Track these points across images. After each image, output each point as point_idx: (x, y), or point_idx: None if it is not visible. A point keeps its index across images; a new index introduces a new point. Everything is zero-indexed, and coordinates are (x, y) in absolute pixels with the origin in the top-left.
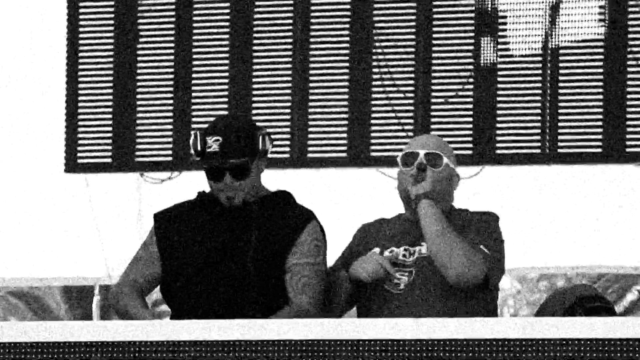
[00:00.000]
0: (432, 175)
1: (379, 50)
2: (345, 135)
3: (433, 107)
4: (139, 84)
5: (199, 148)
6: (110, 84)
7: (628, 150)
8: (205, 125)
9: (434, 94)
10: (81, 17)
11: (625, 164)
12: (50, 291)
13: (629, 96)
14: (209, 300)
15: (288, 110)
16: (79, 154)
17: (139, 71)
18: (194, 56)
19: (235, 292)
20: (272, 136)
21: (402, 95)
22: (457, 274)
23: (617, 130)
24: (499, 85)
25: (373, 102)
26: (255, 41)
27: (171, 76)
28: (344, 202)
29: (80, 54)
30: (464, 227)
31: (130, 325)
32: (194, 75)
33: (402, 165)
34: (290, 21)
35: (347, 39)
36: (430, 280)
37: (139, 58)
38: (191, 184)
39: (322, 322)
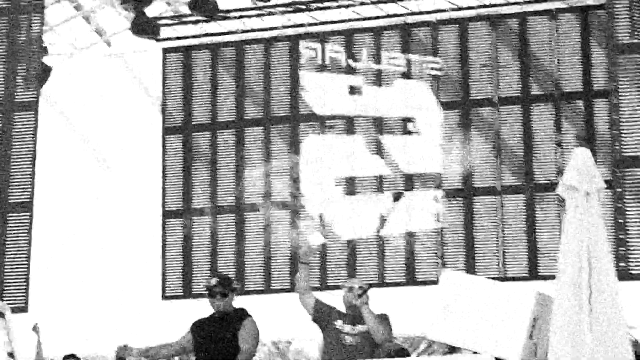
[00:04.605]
0: (366, 295)
1: None
2: None
3: None
4: None
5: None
6: None
7: None
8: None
9: None
10: None
11: None
12: None
13: None
14: (211, 354)
15: None
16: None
17: None
18: None
19: (221, 350)
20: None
21: None
22: (381, 339)
23: None
24: None
25: None
26: None
27: None
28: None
29: None
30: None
31: None
32: None
33: (347, 291)
34: None
35: None
36: (366, 341)
37: None
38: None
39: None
